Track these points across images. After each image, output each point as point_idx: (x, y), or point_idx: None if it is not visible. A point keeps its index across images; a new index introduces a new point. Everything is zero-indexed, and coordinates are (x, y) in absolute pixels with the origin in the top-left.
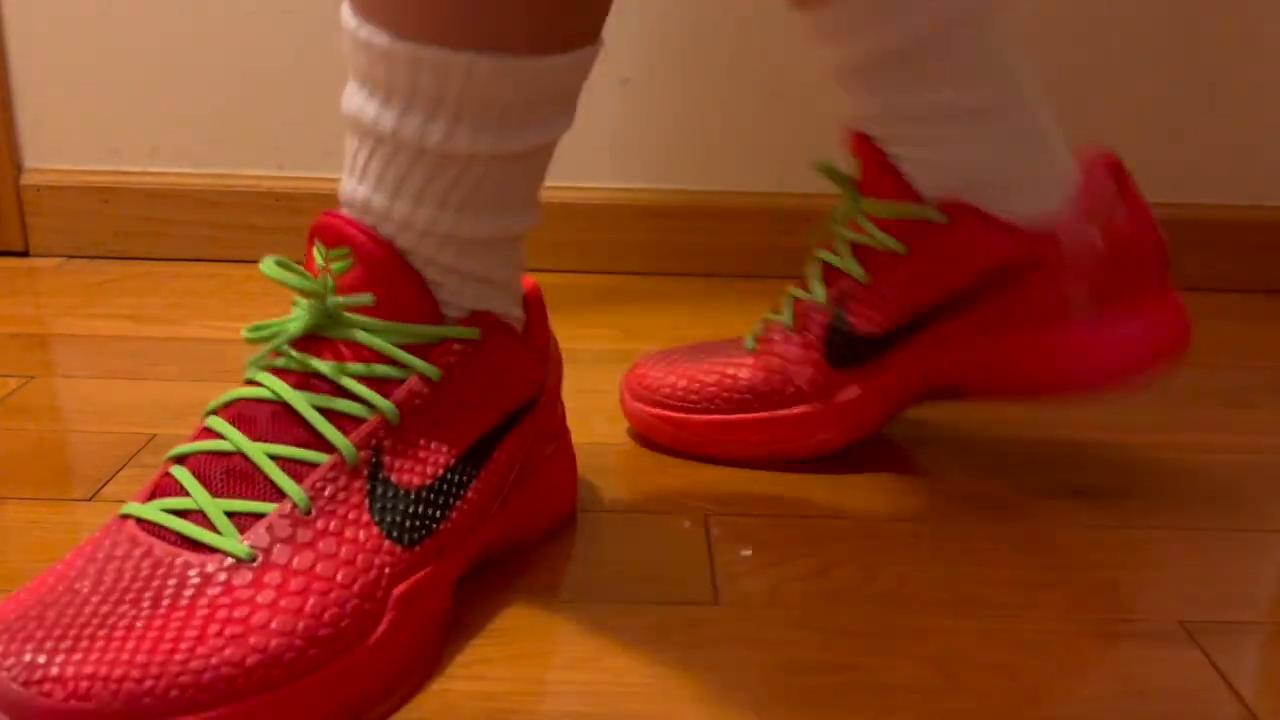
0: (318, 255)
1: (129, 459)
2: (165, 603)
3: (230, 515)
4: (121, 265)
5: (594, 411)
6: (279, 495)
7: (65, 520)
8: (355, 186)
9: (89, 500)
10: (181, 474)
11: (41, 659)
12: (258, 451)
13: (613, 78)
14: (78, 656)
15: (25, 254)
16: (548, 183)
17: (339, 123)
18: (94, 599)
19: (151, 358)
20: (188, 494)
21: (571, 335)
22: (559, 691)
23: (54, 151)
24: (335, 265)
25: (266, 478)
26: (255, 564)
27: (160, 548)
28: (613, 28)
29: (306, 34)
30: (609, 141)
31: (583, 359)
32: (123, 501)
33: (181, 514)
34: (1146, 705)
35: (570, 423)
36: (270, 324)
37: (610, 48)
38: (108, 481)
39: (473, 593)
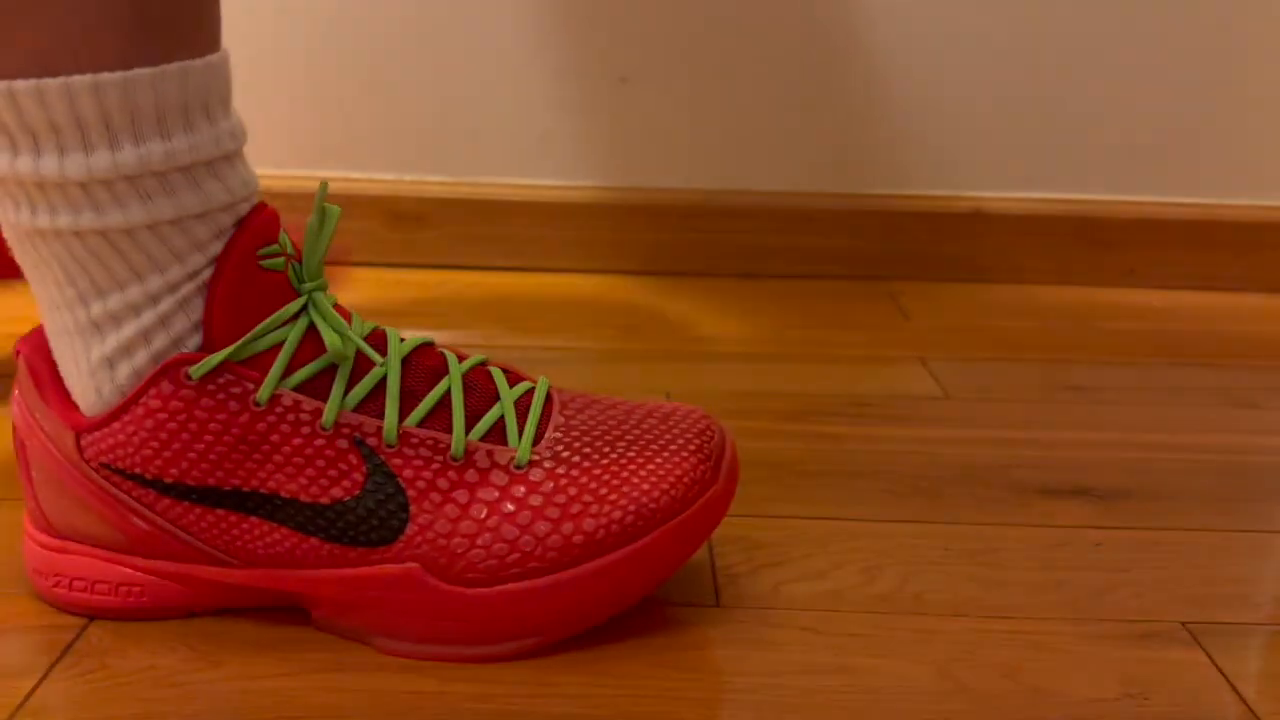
0: (274, 262)
1: None
2: None
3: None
4: None
5: None
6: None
7: None
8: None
9: None
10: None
11: None
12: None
13: (612, 76)
14: None
15: None
16: (544, 182)
17: (335, 121)
18: None
19: None
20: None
21: (572, 334)
22: (559, 693)
23: None
24: (311, 237)
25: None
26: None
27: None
28: (612, 26)
29: (305, 32)
30: (608, 140)
31: (583, 359)
32: None
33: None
34: (1148, 707)
35: None
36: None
37: (610, 46)
38: None
39: None
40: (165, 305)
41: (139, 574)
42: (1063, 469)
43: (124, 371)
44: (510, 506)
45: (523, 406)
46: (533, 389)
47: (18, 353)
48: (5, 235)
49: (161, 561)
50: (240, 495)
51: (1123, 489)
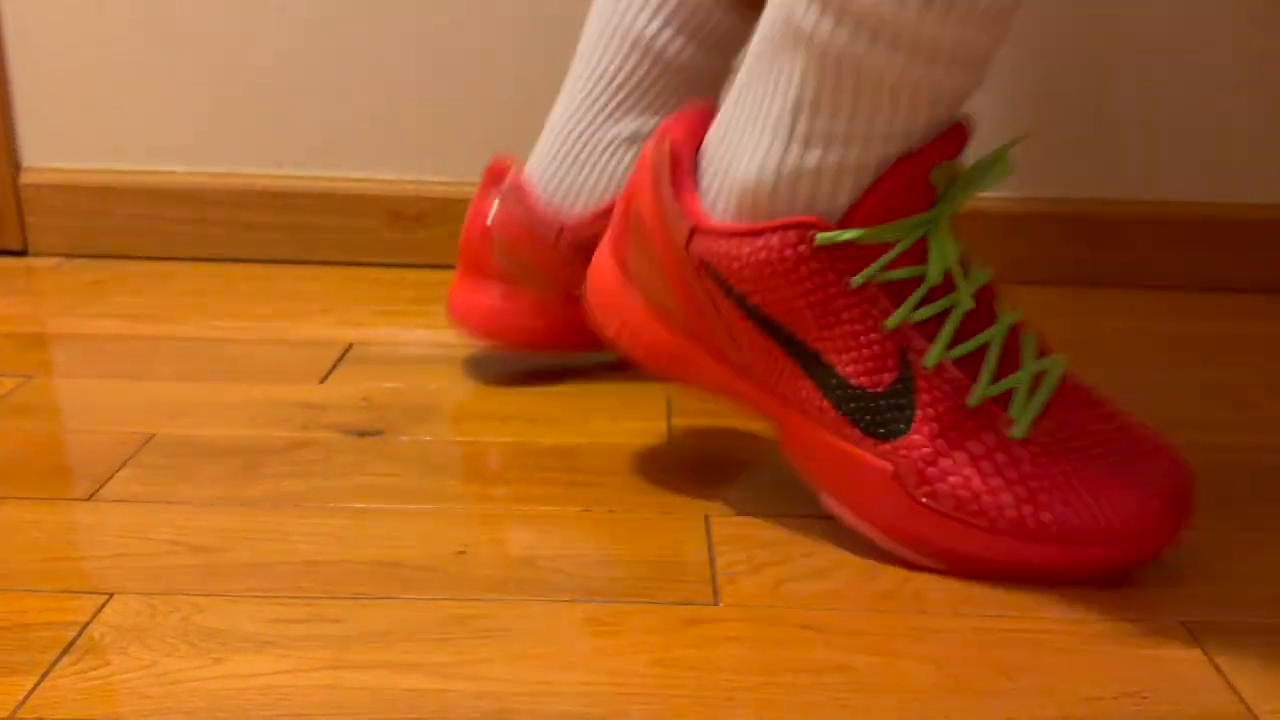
0: (937, 175)
1: (128, 459)
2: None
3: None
4: (120, 264)
5: (594, 411)
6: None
7: (64, 520)
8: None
9: (88, 500)
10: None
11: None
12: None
13: None
14: None
15: (24, 253)
16: None
17: (335, 121)
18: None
19: (150, 357)
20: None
21: None
22: (558, 692)
23: (52, 150)
24: (972, 171)
25: None
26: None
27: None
28: None
29: (304, 32)
30: None
31: (582, 359)
32: (122, 501)
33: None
34: (1147, 705)
35: (570, 422)
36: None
37: None
38: (107, 481)
39: (471, 593)
40: (853, 157)
41: (673, 341)
42: None
43: (785, 188)
44: (989, 466)
45: (1037, 383)
46: (1046, 371)
47: (664, 133)
48: (771, 30)
49: (694, 343)
50: (796, 342)
51: None
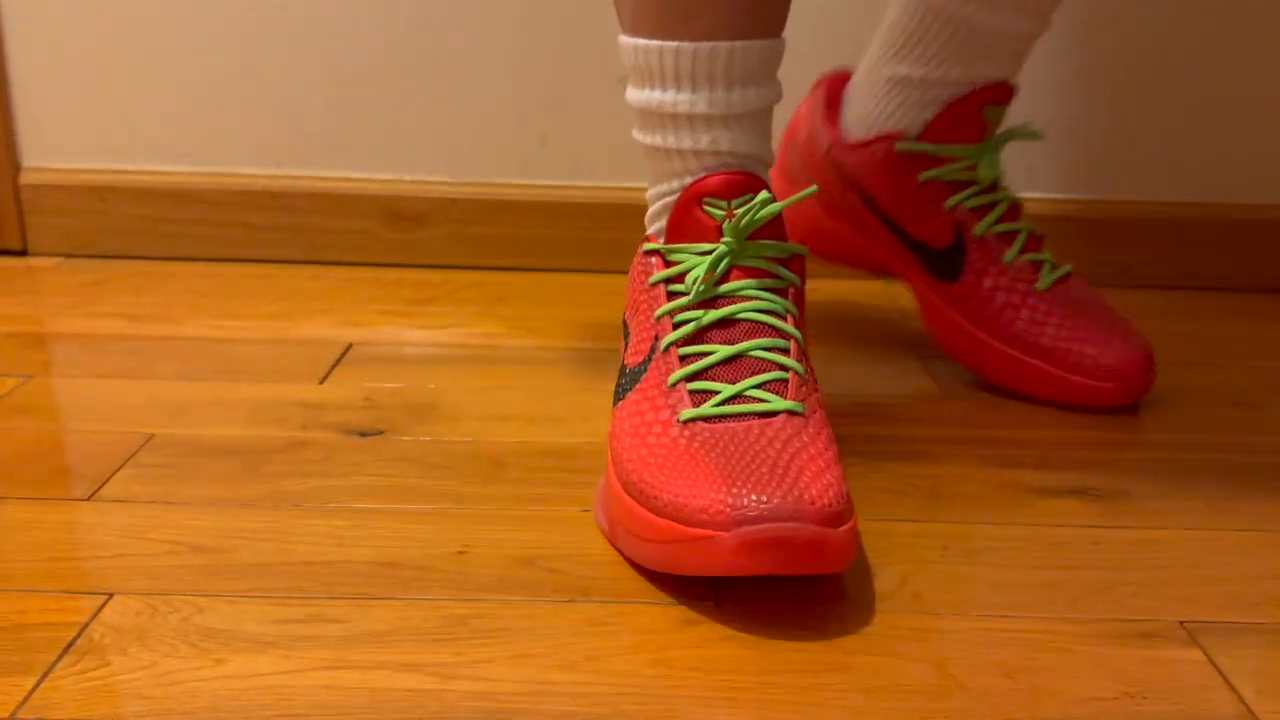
0: (713, 210)
1: (127, 458)
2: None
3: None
4: (119, 264)
5: (594, 411)
6: (784, 369)
7: (64, 520)
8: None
9: (88, 500)
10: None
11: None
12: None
13: (610, 75)
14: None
15: (24, 253)
16: (544, 181)
17: (335, 121)
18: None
19: (149, 357)
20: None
21: (573, 334)
22: (558, 692)
23: (52, 150)
24: (741, 209)
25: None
26: (807, 414)
27: (750, 423)
28: (612, 26)
29: (304, 32)
30: (608, 140)
31: (584, 359)
32: (121, 501)
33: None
34: (1147, 706)
35: (570, 423)
36: (689, 269)
37: (610, 46)
38: (106, 481)
39: (471, 593)
40: (659, 206)
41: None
42: (1063, 469)
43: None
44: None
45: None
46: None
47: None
48: None
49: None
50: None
51: (1121, 488)
